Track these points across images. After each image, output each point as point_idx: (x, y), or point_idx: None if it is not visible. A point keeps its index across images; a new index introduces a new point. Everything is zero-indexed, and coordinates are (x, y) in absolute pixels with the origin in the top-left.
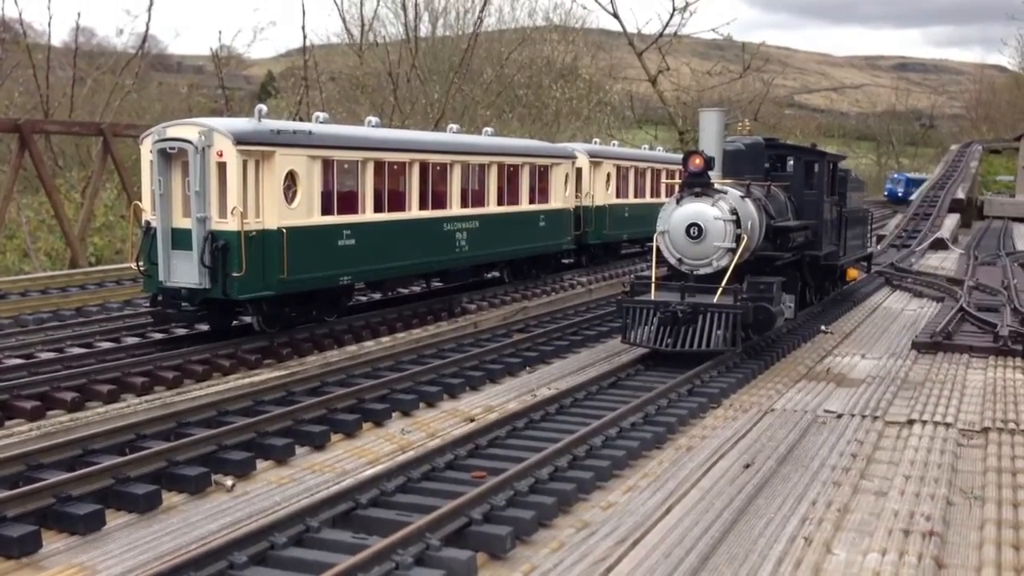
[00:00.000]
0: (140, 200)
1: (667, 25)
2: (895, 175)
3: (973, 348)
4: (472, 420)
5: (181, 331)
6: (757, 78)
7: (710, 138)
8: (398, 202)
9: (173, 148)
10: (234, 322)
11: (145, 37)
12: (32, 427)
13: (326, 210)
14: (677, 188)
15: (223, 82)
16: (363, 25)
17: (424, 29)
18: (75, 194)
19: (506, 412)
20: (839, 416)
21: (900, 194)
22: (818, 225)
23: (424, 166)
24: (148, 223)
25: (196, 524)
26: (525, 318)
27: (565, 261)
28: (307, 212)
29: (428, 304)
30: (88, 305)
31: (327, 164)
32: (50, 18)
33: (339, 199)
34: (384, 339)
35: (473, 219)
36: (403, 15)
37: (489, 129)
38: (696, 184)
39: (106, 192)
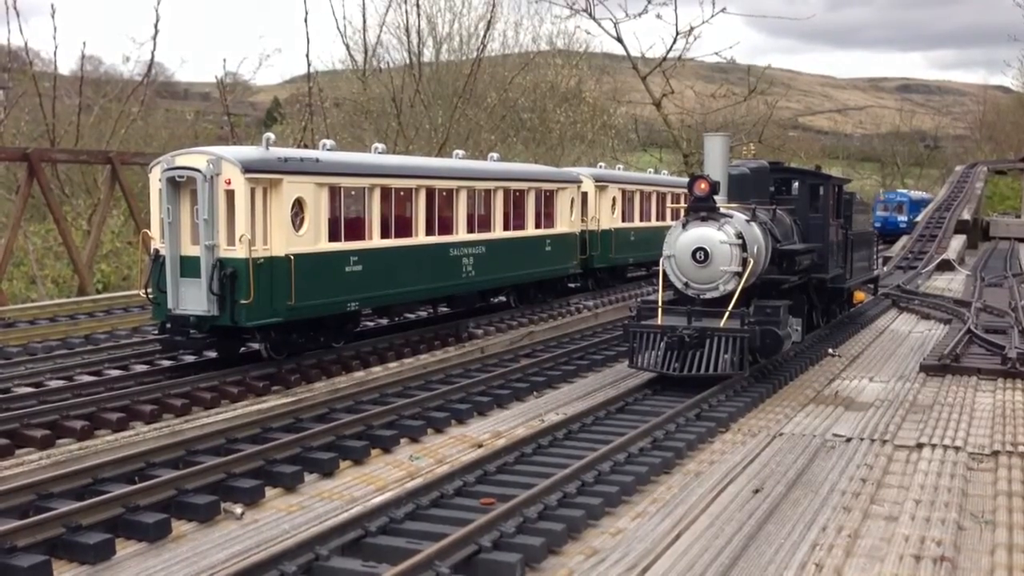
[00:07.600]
0: (148, 228)
1: (671, 49)
2: (890, 195)
3: (981, 370)
4: (480, 446)
5: (189, 358)
6: (761, 101)
7: (715, 162)
8: (405, 228)
9: (182, 176)
10: (242, 349)
11: (151, 65)
12: (42, 456)
13: (333, 236)
14: (683, 212)
15: (228, 109)
16: (366, 51)
17: (428, 54)
18: (82, 221)
19: (514, 438)
20: (848, 440)
21: (890, 226)
22: (824, 248)
23: (430, 192)
24: (157, 251)
25: (205, 553)
26: (532, 343)
27: (571, 285)
28: (314, 239)
29: (435, 329)
30: (96, 333)
31: (334, 191)
32: (56, 47)
33: (346, 225)
34: (391, 365)
35: (479, 244)
36: (406, 41)
37: (495, 154)
38: (702, 208)
39: (113, 219)
